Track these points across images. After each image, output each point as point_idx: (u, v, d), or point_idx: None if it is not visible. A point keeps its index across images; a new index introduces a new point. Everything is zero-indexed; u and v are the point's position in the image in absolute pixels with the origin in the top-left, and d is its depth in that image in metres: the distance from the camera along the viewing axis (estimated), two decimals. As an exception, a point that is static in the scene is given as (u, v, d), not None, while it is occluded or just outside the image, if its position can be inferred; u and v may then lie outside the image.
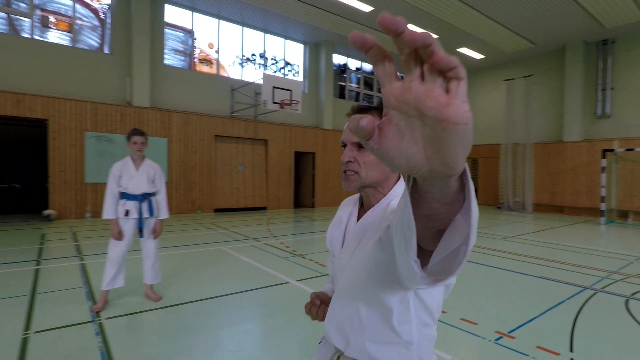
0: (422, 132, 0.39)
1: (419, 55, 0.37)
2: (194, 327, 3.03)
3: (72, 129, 8.90)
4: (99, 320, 3.11)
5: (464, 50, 13.68)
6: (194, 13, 11.30)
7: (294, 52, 13.69)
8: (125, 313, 3.28)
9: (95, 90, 9.48)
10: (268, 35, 12.90)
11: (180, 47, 11.18)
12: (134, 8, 9.80)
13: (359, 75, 15.58)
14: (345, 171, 1.01)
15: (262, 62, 12.83)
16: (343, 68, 15.01)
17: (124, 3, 9.96)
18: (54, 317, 3.14)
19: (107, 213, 3.36)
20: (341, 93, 15.01)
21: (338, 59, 14.75)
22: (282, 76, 11.68)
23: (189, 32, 11.29)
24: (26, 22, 8.85)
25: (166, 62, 10.77)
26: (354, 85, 15.44)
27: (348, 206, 1.13)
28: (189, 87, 11.00)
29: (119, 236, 3.39)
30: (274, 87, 10.44)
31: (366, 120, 0.41)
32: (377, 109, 1.00)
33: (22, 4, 8.78)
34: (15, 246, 5.94)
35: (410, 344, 0.91)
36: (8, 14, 8.62)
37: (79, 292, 3.83)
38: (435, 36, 0.36)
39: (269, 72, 12.89)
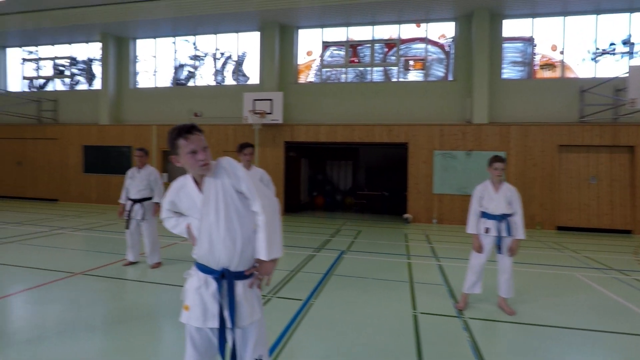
0: None
1: None
2: (543, 351, 3.05)
3: (424, 148, 10.77)
4: (463, 317, 3.74)
5: None
6: (534, 19, 10.76)
7: (682, 25, 10.11)
8: (484, 318, 3.76)
9: (441, 114, 11.02)
10: (635, 14, 10.25)
11: (518, 57, 10.97)
12: (474, 34, 10.60)
13: None
14: None
15: (625, 50, 10.36)
16: None
17: (466, 32, 10.98)
18: (429, 304, 4.08)
19: (471, 228, 3.99)
20: None
21: None
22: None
23: (528, 40, 10.86)
24: (394, 69, 11.61)
25: (504, 76, 10.88)
26: None
27: None
28: (527, 97, 10.59)
29: (480, 249, 3.93)
30: (648, 80, 8.18)
31: None
32: None
33: (392, 57, 11.59)
34: (389, 241, 7.96)
35: None
36: (384, 67, 11.66)
37: (441, 288, 4.72)
38: None
39: (636, 60, 10.21)
